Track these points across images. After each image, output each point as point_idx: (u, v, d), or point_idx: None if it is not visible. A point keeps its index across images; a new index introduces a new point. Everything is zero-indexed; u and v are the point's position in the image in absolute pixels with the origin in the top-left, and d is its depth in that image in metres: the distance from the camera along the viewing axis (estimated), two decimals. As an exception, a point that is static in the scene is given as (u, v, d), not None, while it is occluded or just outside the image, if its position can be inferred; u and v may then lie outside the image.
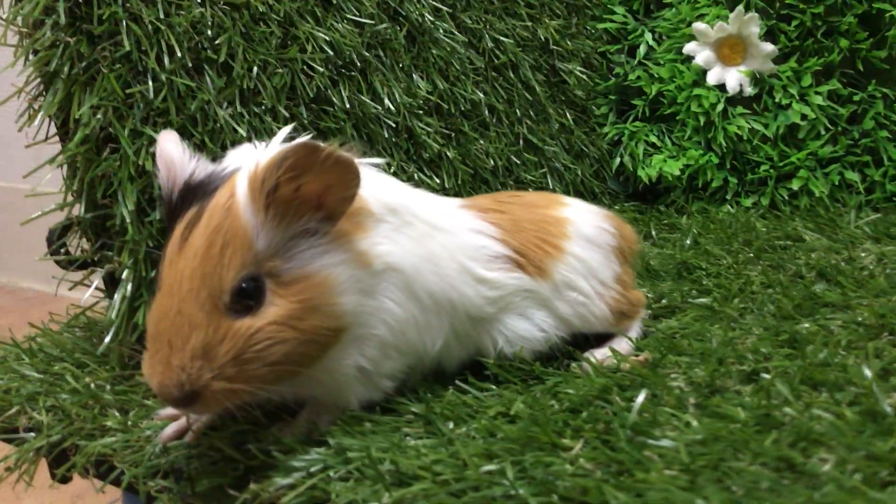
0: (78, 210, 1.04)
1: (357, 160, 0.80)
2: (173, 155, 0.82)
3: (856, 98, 1.66)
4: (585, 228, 1.12)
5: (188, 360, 0.75)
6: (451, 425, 0.87)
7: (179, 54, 1.02)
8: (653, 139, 1.74)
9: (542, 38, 1.68)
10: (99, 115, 0.99)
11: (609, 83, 1.81)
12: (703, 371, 0.95)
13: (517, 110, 1.58)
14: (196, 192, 0.80)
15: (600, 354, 1.07)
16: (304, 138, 0.77)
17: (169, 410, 0.94)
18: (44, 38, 0.99)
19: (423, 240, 0.94)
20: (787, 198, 1.66)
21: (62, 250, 1.08)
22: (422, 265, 0.93)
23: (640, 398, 0.85)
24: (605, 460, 0.78)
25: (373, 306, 0.88)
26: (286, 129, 0.86)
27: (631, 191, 1.81)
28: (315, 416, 0.90)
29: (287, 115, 1.14)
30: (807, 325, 1.10)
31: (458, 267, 0.98)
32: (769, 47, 1.67)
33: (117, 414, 0.98)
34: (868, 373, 0.87)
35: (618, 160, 1.79)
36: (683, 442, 0.79)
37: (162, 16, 1.03)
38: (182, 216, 0.78)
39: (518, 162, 1.54)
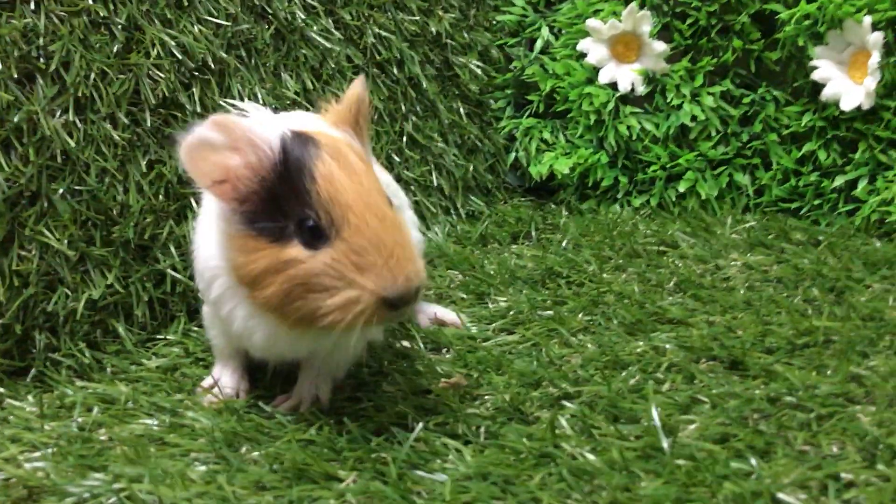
0: None
1: None
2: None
3: (746, 100, 1.66)
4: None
5: (415, 253, 0.84)
6: (244, 449, 0.88)
7: (1, 67, 1.01)
8: (546, 136, 1.74)
9: (433, 31, 1.66)
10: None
11: (506, 76, 1.79)
12: (509, 396, 0.96)
13: (402, 106, 1.57)
14: (296, 149, 0.85)
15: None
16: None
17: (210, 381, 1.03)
18: None
19: None
20: (675, 199, 1.66)
21: None
22: None
23: (415, 431, 0.86)
24: (373, 495, 0.79)
25: None
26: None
27: (527, 186, 1.81)
28: (315, 389, 0.97)
29: (127, 121, 1.13)
30: (640, 343, 1.11)
31: None
32: (661, 46, 1.66)
33: None
34: (653, 409, 0.88)
35: (513, 155, 1.79)
36: (453, 477, 0.80)
37: (-16, 25, 1.02)
38: (303, 167, 0.84)
39: (399, 159, 1.54)
